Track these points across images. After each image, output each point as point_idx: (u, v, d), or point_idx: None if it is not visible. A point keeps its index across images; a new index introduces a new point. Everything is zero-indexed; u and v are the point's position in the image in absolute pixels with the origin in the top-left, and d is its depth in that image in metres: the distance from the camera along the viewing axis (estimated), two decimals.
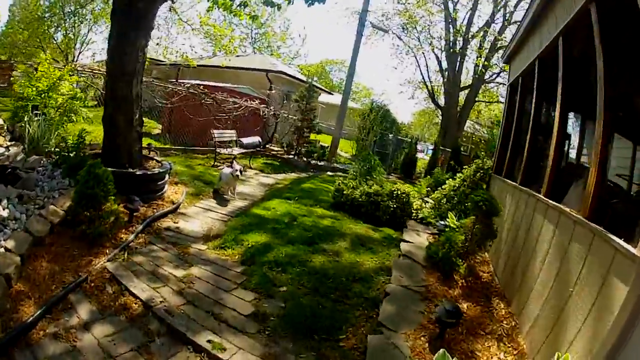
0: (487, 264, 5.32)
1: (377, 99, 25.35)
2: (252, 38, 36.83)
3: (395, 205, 6.93)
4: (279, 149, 14.11)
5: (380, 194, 7.04)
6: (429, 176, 12.79)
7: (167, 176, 5.80)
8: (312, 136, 14.11)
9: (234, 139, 11.20)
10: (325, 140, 16.88)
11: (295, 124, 13.89)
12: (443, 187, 7.80)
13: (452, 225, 5.50)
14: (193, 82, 11.59)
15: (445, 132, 20.07)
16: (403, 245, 5.48)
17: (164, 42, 14.92)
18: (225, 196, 6.90)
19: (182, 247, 4.56)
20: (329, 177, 11.85)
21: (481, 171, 7.27)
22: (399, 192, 7.02)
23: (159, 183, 5.47)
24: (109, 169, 5.03)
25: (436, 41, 20.12)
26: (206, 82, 12.25)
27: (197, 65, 15.88)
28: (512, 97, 6.90)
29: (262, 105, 12.87)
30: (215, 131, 9.81)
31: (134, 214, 4.52)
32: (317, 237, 5.41)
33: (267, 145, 14.11)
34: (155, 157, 6.36)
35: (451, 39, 19.16)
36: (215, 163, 9.64)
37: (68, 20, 12.85)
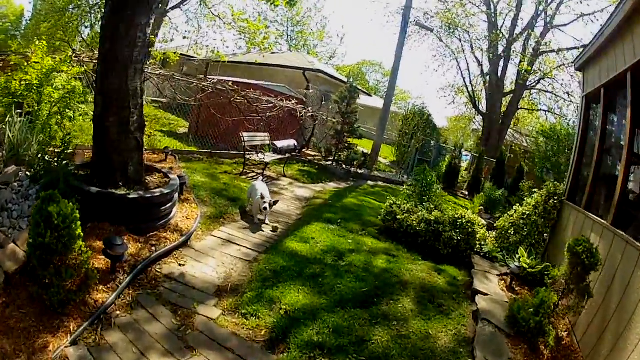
0: (560, 316, 4.01)
1: (416, 102, 23.53)
2: (288, 36, 35.64)
3: (459, 237, 5.30)
4: (316, 153, 12.60)
5: (442, 222, 5.48)
6: (482, 193, 10.99)
7: (175, 196, 4.40)
8: (352, 141, 12.52)
9: (267, 142, 9.81)
10: (363, 145, 15.26)
11: (335, 127, 12.36)
12: (509, 214, 6.07)
13: (524, 265, 4.87)
14: (222, 78, 10.30)
15: (487, 140, 17.93)
16: (478, 300, 4.19)
17: (194, 36, 13.82)
18: (254, 218, 5.44)
19: (185, 312, 3.12)
20: (371, 189, 10.26)
21: (554, 198, 5.61)
22: (464, 221, 5.37)
23: (164, 208, 4.08)
24: (93, 189, 3.72)
25: (478, 43, 18.91)
26: (236, 79, 10.95)
27: (230, 62, 14.73)
28: (588, 111, 5.80)
29: (299, 106, 11.40)
30: (245, 134, 8.43)
31: (117, 262, 3.12)
32: (374, 292, 3.90)
33: (303, 150, 12.68)
34: (164, 170, 4.98)
35: (494, 40, 17.48)
36: (245, 170, 8.25)
37: (93, 12, 11.93)
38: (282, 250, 4.50)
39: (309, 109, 11.92)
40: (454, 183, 14.33)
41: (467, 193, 13.94)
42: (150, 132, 7.70)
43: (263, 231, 5.15)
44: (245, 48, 16.81)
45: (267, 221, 5.43)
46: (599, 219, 4.20)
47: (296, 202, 7.32)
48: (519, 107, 20.10)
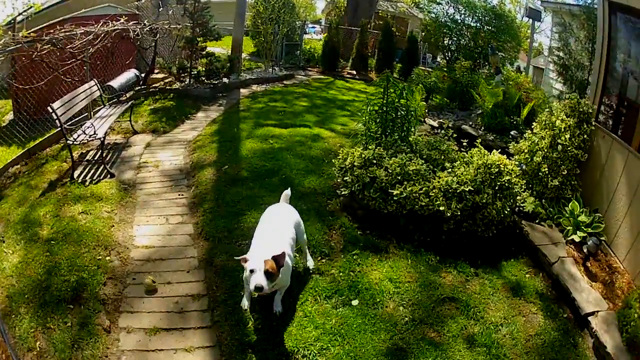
0: None
1: None
2: None
3: (506, 206, 3.69)
4: (166, 75, 8.91)
5: (478, 187, 3.62)
6: (386, 71, 9.37)
7: None
8: (210, 45, 9.02)
9: (97, 93, 5.96)
10: (226, 45, 11.63)
11: (183, 35, 8.59)
12: (529, 137, 4.60)
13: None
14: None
15: (354, 11, 15.43)
16: (598, 330, 2.88)
17: None
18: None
19: None
20: (256, 105, 7.78)
21: (586, 122, 4.21)
22: (504, 178, 3.70)
23: None
24: None
25: None
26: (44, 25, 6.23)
27: (46, 8, 8.60)
28: None
29: (131, 23, 7.32)
30: (56, 104, 4.58)
31: None
32: None
33: (149, 76, 8.76)
34: None
35: None
36: (73, 172, 4.61)
37: None
38: None
39: (145, 22, 7.97)
40: (335, 64, 12.49)
41: (354, 73, 12.34)
42: None
43: None
44: None
45: None
46: None
47: (168, 190, 4.51)
48: None
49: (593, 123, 4.16)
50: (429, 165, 3.93)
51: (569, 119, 4.19)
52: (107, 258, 3.25)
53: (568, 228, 3.87)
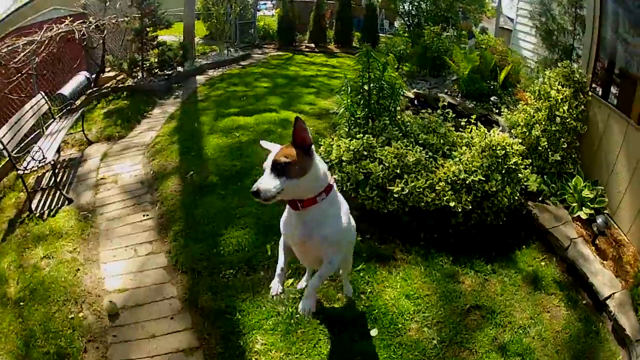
0: None
1: None
2: None
3: (512, 190, 3.37)
4: (118, 73, 7.94)
5: (486, 172, 3.25)
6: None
7: None
8: (160, 33, 7.96)
9: (45, 107, 5.01)
10: (177, 32, 10.47)
11: (132, 27, 7.59)
12: (524, 109, 4.26)
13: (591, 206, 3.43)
14: None
15: None
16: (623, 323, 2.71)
17: None
18: None
19: None
20: (215, 92, 7.06)
21: (580, 93, 3.93)
22: (510, 160, 3.37)
23: None
24: None
25: None
26: None
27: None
28: None
29: (76, 23, 6.50)
30: (2, 130, 3.79)
31: None
32: None
33: (99, 77, 7.75)
34: None
35: None
36: (30, 204, 3.88)
37: None
38: None
39: (91, 19, 7.03)
40: (292, 38, 11.76)
41: (313, 46, 11.68)
42: None
43: None
44: None
45: None
46: None
47: (131, 210, 3.82)
48: None
49: (589, 93, 3.90)
50: (427, 152, 3.50)
51: (564, 89, 3.90)
52: (80, 315, 2.68)
53: (573, 205, 3.65)
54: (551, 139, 3.86)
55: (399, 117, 4.08)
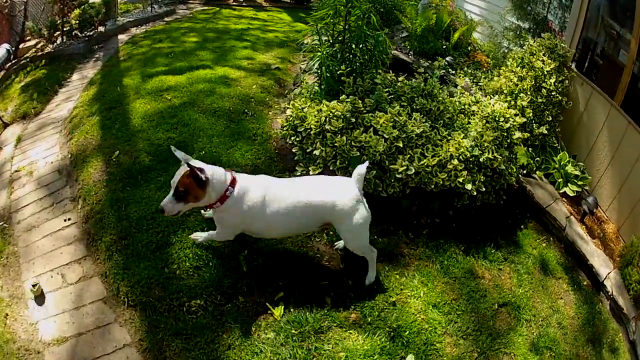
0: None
1: None
2: None
3: (516, 168, 3.04)
4: (39, 40, 6.00)
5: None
6: None
7: None
8: None
9: None
10: None
11: None
12: (506, 76, 3.93)
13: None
14: None
15: None
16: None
17: None
18: None
19: None
20: (140, 54, 5.55)
21: (564, 67, 3.77)
22: (513, 136, 3.01)
23: None
24: None
25: None
26: None
27: None
28: None
29: None
30: None
31: None
32: None
33: (19, 47, 5.68)
34: None
35: None
36: None
37: None
38: None
39: None
40: None
41: (242, 0, 10.23)
42: None
43: None
44: None
45: None
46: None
47: (50, 214, 2.68)
48: None
49: (573, 68, 3.72)
50: (427, 120, 2.95)
51: (550, 61, 3.65)
52: None
53: (559, 180, 3.53)
54: (536, 110, 3.63)
55: (379, 77, 3.43)
